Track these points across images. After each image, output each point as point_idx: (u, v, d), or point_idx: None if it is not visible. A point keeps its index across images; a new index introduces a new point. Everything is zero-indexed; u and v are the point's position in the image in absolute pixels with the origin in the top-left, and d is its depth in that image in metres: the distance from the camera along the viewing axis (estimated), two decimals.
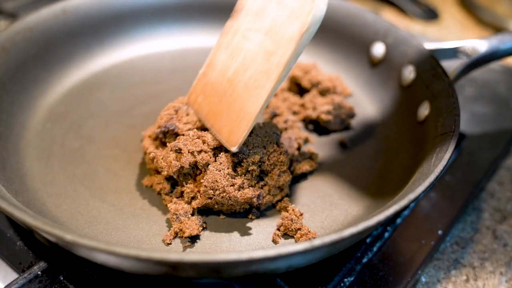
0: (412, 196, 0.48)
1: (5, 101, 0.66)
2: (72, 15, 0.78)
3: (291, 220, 0.55)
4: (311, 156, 0.64)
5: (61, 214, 0.56)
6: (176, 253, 0.42)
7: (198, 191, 0.56)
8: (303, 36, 0.50)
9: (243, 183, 0.56)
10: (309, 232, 0.55)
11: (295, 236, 0.55)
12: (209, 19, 0.87)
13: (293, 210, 0.58)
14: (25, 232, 0.57)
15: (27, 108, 0.69)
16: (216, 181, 0.54)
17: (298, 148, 0.65)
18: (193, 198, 0.57)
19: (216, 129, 0.57)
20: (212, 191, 0.54)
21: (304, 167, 0.62)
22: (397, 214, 0.54)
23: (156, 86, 0.77)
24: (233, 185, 0.55)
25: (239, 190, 0.55)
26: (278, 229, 0.56)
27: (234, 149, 0.55)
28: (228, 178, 0.55)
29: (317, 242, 0.43)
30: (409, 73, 0.70)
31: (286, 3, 0.52)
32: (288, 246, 0.43)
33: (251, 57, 0.55)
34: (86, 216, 0.56)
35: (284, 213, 0.57)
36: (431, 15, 1.10)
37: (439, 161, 0.52)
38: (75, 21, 0.78)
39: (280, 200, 0.59)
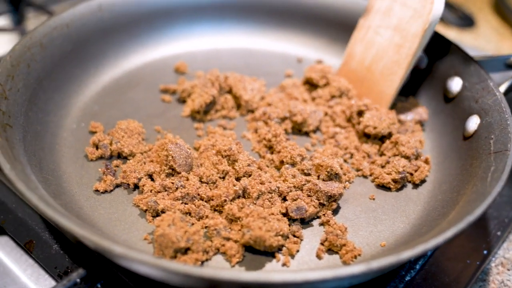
0: (471, 218, 0.46)
1: (41, 98, 0.65)
2: (107, 12, 0.76)
3: (336, 235, 0.54)
4: (426, 160, 0.63)
5: (99, 219, 0.55)
6: (236, 272, 0.40)
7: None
8: (426, 32, 0.64)
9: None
10: (354, 248, 0.53)
11: (340, 253, 0.53)
12: (242, 20, 0.86)
13: (336, 224, 0.56)
14: (61, 236, 0.56)
15: (61, 106, 0.68)
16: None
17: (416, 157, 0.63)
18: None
19: None
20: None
21: (424, 173, 0.61)
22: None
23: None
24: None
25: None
26: (322, 244, 0.54)
27: None
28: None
29: (375, 264, 0.41)
30: (455, 85, 0.68)
31: (409, 4, 0.65)
32: (345, 268, 0.41)
33: (383, 49, 0.68)
34: (124, 222, 0.55)
35: (328, 227, 0.55)
36: (467, 22, 1.07)
37: (496, 182, 0.50)
38: (110, 18, 0.76)
39: (324, 214, 0.57)
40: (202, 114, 0.70)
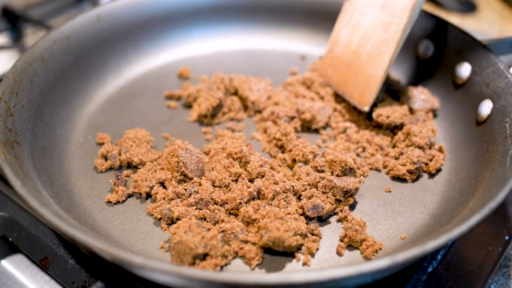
0: (493, 204, 0.45)
1: (47, 113, 0.64)
2: (106, 21, 0.76)
3: (356, 230, 0.53)
4: (440, 149, 0.62)
5: (113, 231, 0.55)
6: (259, 274, 0.40)
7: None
8: (415, 5, 0.61)
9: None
10: (375, 243, 0.52)
11: (360, 248, 0.53)
12: (242, 21, 0.85)
13: (353, 219, 0.55)
14: (76, 250, 0.55)
15: (67, 120, 0.67)
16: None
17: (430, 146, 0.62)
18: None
19: (348, 94, 0.68)
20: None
21: (439, 162, 0.60)
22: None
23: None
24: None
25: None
26: (342, 241, 0.54)
27: (366, 108, 0.65)
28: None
29: (400, 257, 0.41)
30: (464, 70, 0.67)
31: None
32: (369, 263, 0.40)
33: (371, 29, 0.65)
34: (139, 232, 0.54)
35: (346, 223, 0.55)
36: (468, 7, 1.06)
37: None
38: (109, 27, 0.76)
39: (341, 210, 0.57)
40: (209, 118, 0.69)
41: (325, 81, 0.72)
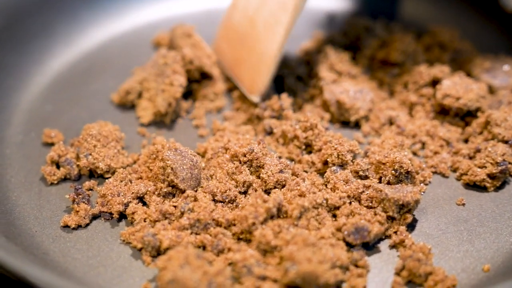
0: None
1: None
2: None
3: (418, 260, 0.55)
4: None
5: (74, 267, 0.56)
6: None
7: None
8: None
9: None
10: (446, 277, 0.54)
11: (425, 285, 0.54)
12: None
13: (413, 244, 0.57)
14: None
15: None
16: None
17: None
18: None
19: (238, 77, 0.71)
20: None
21: (482, 173, 0.62)
22: None
23: None
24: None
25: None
26: (398, 274, 0.55)
27: (254, 98, 0.69)
28: None
29: None
30: None
31: None
32: None
33: None
34: (111, 268, 0.56)
35: (403, 251, 0.57)
36: None
37: None
38: None
39: (395, 232, 0.58)
40: (171, 115, 0.71)
41: (218, 59, 0.75)
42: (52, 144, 0.67)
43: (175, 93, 0.69)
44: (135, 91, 0.72)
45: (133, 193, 0.60)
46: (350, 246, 0.57)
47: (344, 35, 0.83)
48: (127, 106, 0.72)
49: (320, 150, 0.65)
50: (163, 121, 0.71)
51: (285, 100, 0.69)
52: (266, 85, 0.68)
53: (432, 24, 0.83)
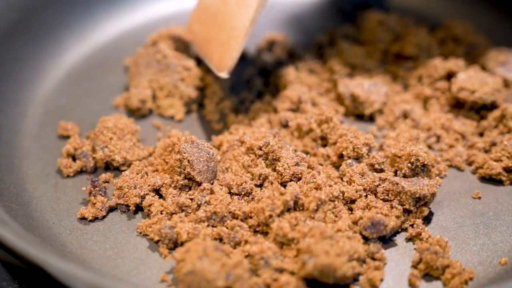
0: None
1: None
2: None
3: (435, 253, 0.55)
4: None
5: (92, 259, 0.56)
6: None
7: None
8: None
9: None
10: (463, 270, 0.54)
11: (442, 278, 0.54)
12: None
13: (430, 237, 0.57)
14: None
15: (14, 103, 0.70)
16: None
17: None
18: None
19: (208, 56, 0.70)
20: None
21: (498, 166, 0.62)
22: None
23: None
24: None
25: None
26: (415, 267, 0.56)
27: (223, 74, 0.68)
28: None
29: None
30: None
31: None
32: None
33: None
34: (128, 260, 0.56)
35: (420, 244, 0.57)
36: None
37: None
38: None
39: (412, 225, 0.59)
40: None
41: (190, 40, 0.75)
42: (68, 137, 0.67)
43: (196, 75, 0.70)
44: (149, 97, 0.71)
45: (149, 185, 0.60)
46: (366, 239, 0.57)
47: (358, 29, 0.83)
48: (146, 115, 0.72)
49: (335, 143, 0.65)
50: (191, 109, 0.72)
51: (303, 93, 0.70)
52: (235, 61, 0.67)
53: (446, 17, 0.83)
